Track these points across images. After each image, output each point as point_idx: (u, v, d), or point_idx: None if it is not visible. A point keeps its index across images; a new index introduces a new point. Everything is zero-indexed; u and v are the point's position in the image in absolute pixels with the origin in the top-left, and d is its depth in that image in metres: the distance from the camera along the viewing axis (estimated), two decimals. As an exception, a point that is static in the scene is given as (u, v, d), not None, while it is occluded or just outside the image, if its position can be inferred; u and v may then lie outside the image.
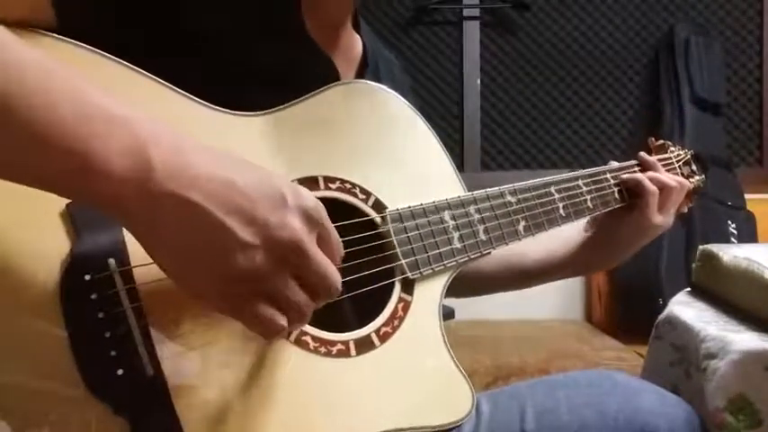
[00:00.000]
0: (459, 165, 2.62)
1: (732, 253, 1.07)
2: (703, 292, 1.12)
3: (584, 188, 0.91)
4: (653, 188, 0.93)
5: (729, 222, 2.47)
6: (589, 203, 0.91)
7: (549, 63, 2.75)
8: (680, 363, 1.01)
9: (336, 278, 0.52)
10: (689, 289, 1.17)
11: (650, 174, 0.96)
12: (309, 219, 0.50)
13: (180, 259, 0.48)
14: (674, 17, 2.75)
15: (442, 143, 0.80)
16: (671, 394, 0.83)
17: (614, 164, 0.98)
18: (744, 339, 0.89)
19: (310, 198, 0.51)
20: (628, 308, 2.43)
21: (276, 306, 0.50)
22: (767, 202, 2.59)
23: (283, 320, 0.50)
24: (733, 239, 2.43)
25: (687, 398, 0.85)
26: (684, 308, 1.07)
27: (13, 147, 0.44)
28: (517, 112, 2.75)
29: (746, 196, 2.55)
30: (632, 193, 0.95)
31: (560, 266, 0.98)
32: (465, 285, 0.91)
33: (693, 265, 1.17)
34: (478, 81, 2.73)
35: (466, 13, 2.73)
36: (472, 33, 2.73)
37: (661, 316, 1.10)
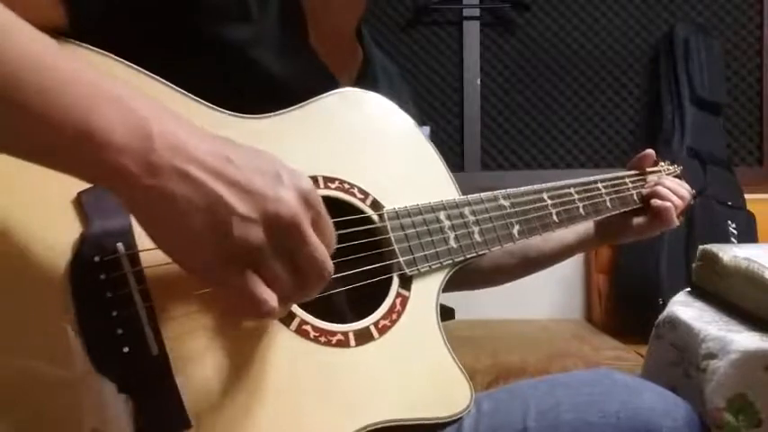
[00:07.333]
0: (460, 165, 2.62)
1: (732, 253, 1.07)
2: (703, 292, 1.12)
3: (577, 196, 0.95)
4: (676, 200, 1.03)
5: (729, 222, 2.46)
6: (581, 210, 0.95)
7: (549, 63, 2.75)
8: (680, 363, 1.01)
9: (329, 264, 0.52)
10: (689, 289, 1.17)
11: (671, 187, 1.05)
12: (305, 199, 0.51)
13: (174, 231, 0.48)
14: (674, 17, 2.75)
15: (441, 145, 0.81)
16: (671, 393, 0.83)
17: (607, 174, 1.06)
18: (744, 339, 0.89)
19: (306, 180, 0.52)
20: (628, 308, 2.42)
21: (265, 283, 0.50)
22: (767, 202, 2.60)
23: (271, 299, 0.50)
24: (733, 239, 2.43)
25: (687, 398, 0.85)
26: (684, 308, 1.07)
27: (19, 120, 0.45)
28: (517, 112, 2.75)
29: (746, 196, 2.55)
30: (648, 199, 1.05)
31: (570, 252, 1.08)
32: (482, 278, 1.00)
33: (693, 265, 1.17)
34: (478, 81, 2.73)
35: (466, 13, 2.73)
36: (472, 33, 2.74)
37: (661, 316, 1.10)
